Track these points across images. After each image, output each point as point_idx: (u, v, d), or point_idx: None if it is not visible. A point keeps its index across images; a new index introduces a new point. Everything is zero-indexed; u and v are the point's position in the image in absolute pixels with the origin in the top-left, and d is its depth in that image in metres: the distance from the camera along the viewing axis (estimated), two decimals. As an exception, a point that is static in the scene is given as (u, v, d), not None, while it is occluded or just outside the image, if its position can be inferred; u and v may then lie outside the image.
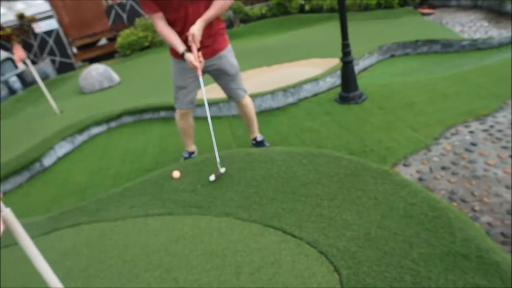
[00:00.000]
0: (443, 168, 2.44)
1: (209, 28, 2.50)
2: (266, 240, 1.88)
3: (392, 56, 5.30)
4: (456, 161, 2.48)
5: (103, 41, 10.92)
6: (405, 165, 2.57)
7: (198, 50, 2.43)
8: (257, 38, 8.30)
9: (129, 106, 4.81)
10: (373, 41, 5.28)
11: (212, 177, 2.38)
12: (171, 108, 4.38)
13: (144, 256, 1.98)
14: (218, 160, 2.43)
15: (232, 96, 2.88)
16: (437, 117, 3.04)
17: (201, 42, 2.45)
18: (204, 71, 2.63)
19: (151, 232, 2.16)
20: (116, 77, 6.67)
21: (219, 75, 2.76)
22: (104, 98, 5.82)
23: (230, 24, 9.66)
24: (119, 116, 4.82)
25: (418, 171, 2.47)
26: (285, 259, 1.74)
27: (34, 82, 6.90)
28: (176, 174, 2.58)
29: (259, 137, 3.17)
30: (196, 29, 2.35)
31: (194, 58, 2.38)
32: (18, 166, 4.02)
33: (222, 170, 2.42)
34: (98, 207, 2.61)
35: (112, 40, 10.43)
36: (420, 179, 2.38)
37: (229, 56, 2.71)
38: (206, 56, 2.56)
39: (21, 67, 8.07)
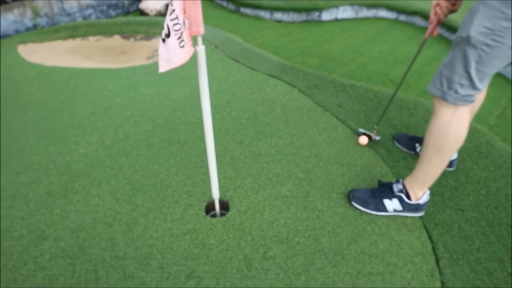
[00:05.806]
0: None
1: None
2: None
3: None
4: None
5: None
6: None
7: None
8: None
9: (427, 8, 4.17)
10: None
11: (361, 130, 2.15)
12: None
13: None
14: (376, 126, 2.10)
15: None
16: None
17: None
18: None
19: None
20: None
21: None
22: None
23: None
24: (412, 13, 4.30)
25: None
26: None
27: None
28: (363, 140, 2.06)
29: None
30: None
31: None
32: (301, 7, 4.36)
33: (377, 137, 2.08)
34: (312, 84, 2.69)
35: None
36: None
37: None
38: None
39: None
